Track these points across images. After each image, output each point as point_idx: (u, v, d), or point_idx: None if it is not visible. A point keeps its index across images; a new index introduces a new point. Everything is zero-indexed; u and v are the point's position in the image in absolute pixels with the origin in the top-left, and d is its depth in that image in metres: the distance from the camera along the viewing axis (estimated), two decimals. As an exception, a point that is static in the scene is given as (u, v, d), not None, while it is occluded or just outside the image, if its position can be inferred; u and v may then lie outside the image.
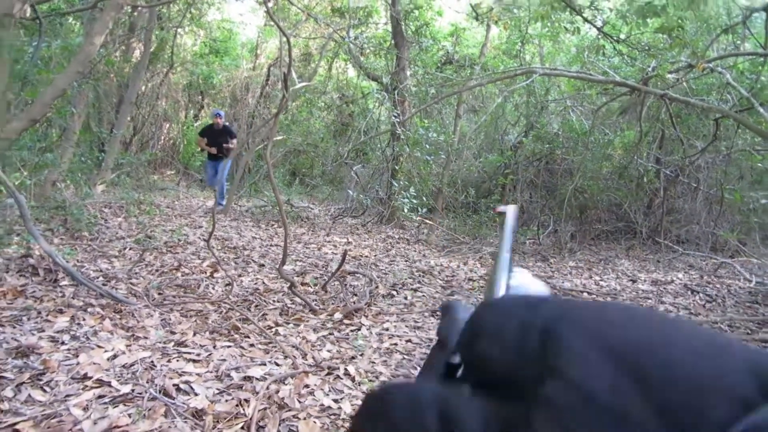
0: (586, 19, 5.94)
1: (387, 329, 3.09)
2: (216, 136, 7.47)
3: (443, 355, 0.40)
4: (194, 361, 2.34)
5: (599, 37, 6.69)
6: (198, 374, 2.21)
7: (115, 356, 2.26)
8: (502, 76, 6.90)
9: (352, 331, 2.98)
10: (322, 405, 2.10)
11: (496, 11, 7.59)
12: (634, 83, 6.01)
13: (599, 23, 6.52)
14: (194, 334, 2.62)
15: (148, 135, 11.09)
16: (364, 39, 9.60)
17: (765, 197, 2.84)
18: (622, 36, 6.84)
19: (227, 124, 8.05)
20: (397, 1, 7.85)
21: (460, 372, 0.38)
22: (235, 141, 7.63)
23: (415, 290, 4.05)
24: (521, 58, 8.35)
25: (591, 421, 0.23)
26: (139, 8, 7.99)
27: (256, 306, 3.19)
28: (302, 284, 3.81)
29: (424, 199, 6.02)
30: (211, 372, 2.25)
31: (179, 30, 10.35)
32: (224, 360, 2.38)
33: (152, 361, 2.27)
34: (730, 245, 6.31)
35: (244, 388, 2.14)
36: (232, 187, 7.20)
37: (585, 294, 4.42)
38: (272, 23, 8.17)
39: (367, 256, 5.13)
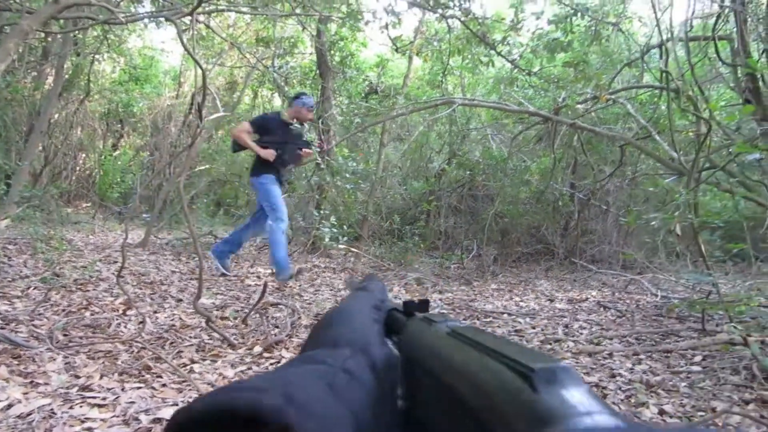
0: (499, 53, 6.24)
1: (308, 361, 3.05)
2: (286, 137, 4.86)
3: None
4: (99, 405, 2.22)
5: (513, 70, 7.04)
6: (103, 419, 2.10)
7: (9, 406, 2.11)
8: (424, 106, 7.11)
9: (271, 364, 2.93)
10: (236, 443, 2.05)
11: (416, 44, 7.84)
12: (546, 113, 6.36)
13: (514, 57, 6.89)
14: (101, 377, 2.50)
15: (61, 166, 10.57)
16: (289, 68, 9.65)
17: (656, 219, 3.09)
18: (535, 69, 7.26)
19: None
20: (322, 32, 7.96)
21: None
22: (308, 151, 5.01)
23: (339, 319, 4.03)
24: (443, 88, 8.65)
25: None
26: (53, 34, 7.69)
27: (171, 343, 3.07)
28: (221, 318, 3.71)
29: (345, 227, 6.04)
30: (118, 416, 2.14)
31: (97, 56, 10.02)
32: (133, 402, 2.27)
33: (52, 409, 2.13)
34: (638, 263, 6.70)
35: (153, 431, 2.05)
36: (152, 220, 6.94)
37: (505, 315, 4.56)
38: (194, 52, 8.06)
39: (291, 287, 5.07)
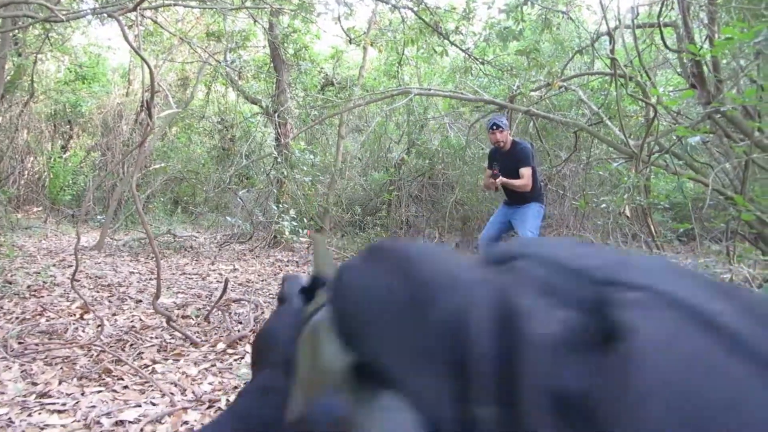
0: (452, 43, 6.30)
1: (273, 355, 3.05)
2: (505, 163, 4.40)
3: None
4: (59, 411, 2.18)
5: (467, 59, 7.11)
6: (63, 425, 2.06)
7: (-37, 417, 2.05)
8: (381, 97, 7.12)
9: (235, 360, 2.92)
10: (202, 441, 2.04)
11: (370, 35, 7.83)
12: (501, 101, 6.45)
13: (468, 46, 6.95)
14: (60, 383, 2.44)
15: (8, 170, 10.16)
16: (242, 62, 9.50)
17: (606, 202, 3.19)
18: (489, 58, 7.35)
19: (518, 139, 4.65)
20: (274, 24, 7.86)
21: None
22: (526, 171, 4.28)
23: (303, 313, 4.03)
24: (399, 78, 8.67)
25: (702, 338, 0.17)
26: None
27: (132, 345, 3.02)
28: (183, 317, 3.66)
29: (306, 220, 6.02)
30: (79, 421, 2.11)
31: (39, 56, 9.63)
32: (94, 407, 2.23)
33: (9, 418, 2.08)
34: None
35: (115, 433, 2.02)
36: (106, 221, 6.76)
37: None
38: (140, 49, 7.84)
39: (254, 282, 5.03)
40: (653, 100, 3.58)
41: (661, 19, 5.21)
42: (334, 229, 7.33)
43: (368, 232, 6.98)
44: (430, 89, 7.52)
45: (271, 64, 8.35)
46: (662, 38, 5.07)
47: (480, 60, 6.82)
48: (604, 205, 3.35)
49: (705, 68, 4.46)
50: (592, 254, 0.22)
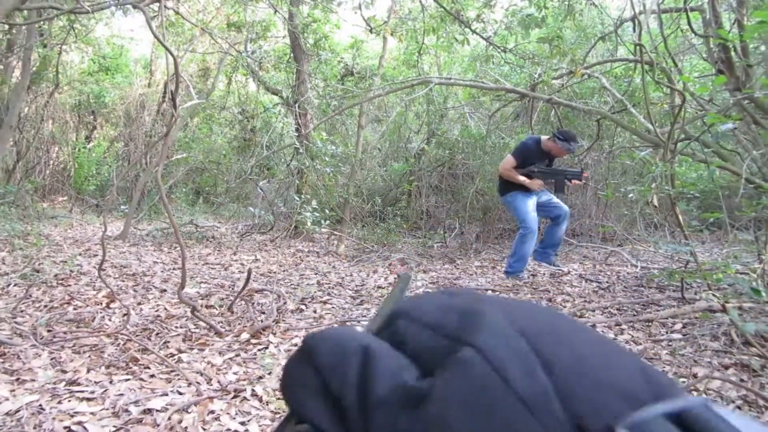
0: (474, 31, 6.22)
1: (296, 345, 3.06)
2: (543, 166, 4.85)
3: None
4: (88, 399, 2.21)
5: (488, 47, 7.03)
6: (92, 413, 2.09)
7: (-4, 404, 2.09)
8: (400, 87, 7.08)
9: (259, 350, 2.94)
10: (228, 429, 2.06)
11: (390, 24, 7.77)
12: (523, 89, 6.37)
13: (489, 34, 6.86)
14: (88, 371, 2.48)
15: (34, 160, 10.34)
16: (263, 53, 9.51)
17: (633, 191, 3.14)
18: (510, 46, 7.25)
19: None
20: (294, 14, 7.84)
21: None
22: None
23: (325, 303, 4.04)
24: (419, 68, 8.61)
25: (496, 389, 0.23)
26: (17, 26, 7.47)
27: (157, 334, 3.06)
28: (207, 307, 3.70)
29: (327, 211, 6.03)
30: (107, 409, 2.14)
31: (64, 47, 9.76)
32: (122, 395, 2.27)
33: (40, 405, 2.12)
34: (618, 235, 6.81)
35: (143, 422, 2.05)
36: (130, 211, 6.85)
37: (489, 291, 4.60)
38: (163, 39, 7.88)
39: (275, 272, 5.06)
40: (680, 87, 3.49)
41: (687, 3, 5.08)
42: (354, 219, 7.33)
43: (388, 223, 6.98)
44: (450, 78, 7.46)
45: (291, 55, 8.34)
46: (689, 23, 4.95)
47: (501, 48, 6.73)
48: (631, 195, 3.29)
49: (733, 54, 4.35)
50: (455, 308, 0.28)
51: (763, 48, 5.20)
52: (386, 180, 8.59)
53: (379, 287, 4.66)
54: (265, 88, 9.48)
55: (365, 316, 3.73)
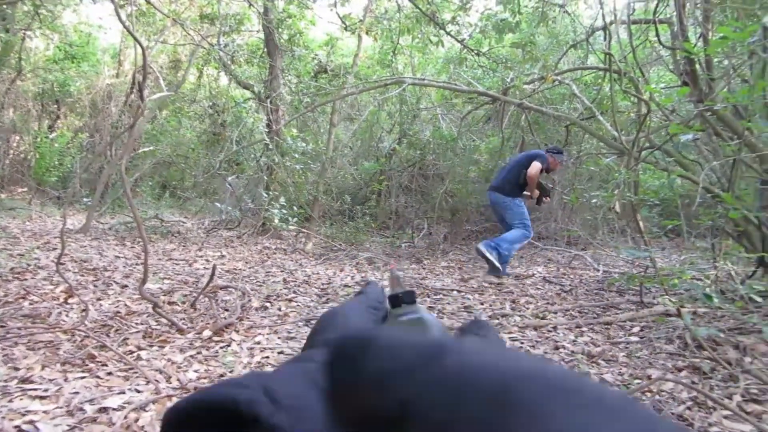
0: (448, 33, 6.26)
1: (259, 343, 3.04)
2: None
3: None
4: (41, 397, 2.15)
5: (462, 50, 7.08)
6: (45, 411, 2.04)
7: (-57, 401, 2.02)
8: (374, 86, 7.08)
9: (221, 348, 2.90)
10: (186, 429, 2.03)
11: (366, 23, 7.77)
12: (495, 93, 6.44)
13: (463, 37, 6.92)
14: (42, 368, 2.41)
15: (-7, 149, 10.02)
16: (236, 47, 9.40)
17: (597, 197, 3.22)
18: (484, 50, 7.32)
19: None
20: (269, 9, 7.77)
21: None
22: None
23: (290, 300, 4.02)
24: (393, 67, 8.62)
25: None
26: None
27: (116, 331, 3.00)
28: (169, 303, 3.64)
29: (295, 208, 5.99)
30: (61, 407, 2.08)
31: (28, 33, 9.47)
32: (77, 393, 2.21)
33: (-10, 402, 2.05)
34: (582, 239, 6.94)
35: (98, 420, 2.00)
36: (93, 204, 6.69)
37: (454, 292, 4.64)
38: (133, 29, 7.70)
39: (241, 269, 5.01)
40: (646, 97, 3.58)
41: (656, 15, 5.20)
42: (323, 217, 7.31)
43: (357, 222, 6.97)
44: (423, 79, 7.49)
45: (265, 49, 8.27)
46: (657, 35, 5.07)
47: (475, 51, 6.79)
48: (595, 201, 3.37)
49: (698, 66, 4.47)
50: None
51: (726, 62, 5.35)
52: (357, 179, 8.58)
53: (345, 286, 4.65)
54: (237, 82, 9.37)
55: (331, 315, 3.72)
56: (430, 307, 4.12)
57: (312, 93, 7.84)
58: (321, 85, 8.07)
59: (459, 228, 7.54)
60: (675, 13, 5.03)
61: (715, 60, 4.74)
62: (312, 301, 4.11)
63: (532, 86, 6.59)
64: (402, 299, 0.47)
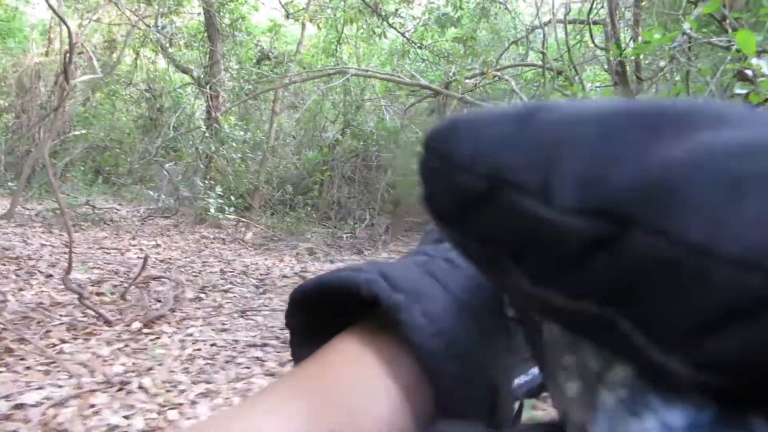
0: (391, 25, 6.28)
1: (191, 335, 2.99)
2: None
3: None
4: (-49, 393, 2.05)
5: (405, 42, 7.12)
6: (-45, 408, 1.94)
7: None
8: (318, 75, 7.02)
9: (151, 340, 2.83)
10: (110, 424, 1.98)
11: (309, 11, 7.67)
12: (437, 87, 6.51)
13: (407, 29, 6.95)
14: (-46, 362, 2.29)
15: None
16: (174, 29, 9.10)
17: None
18: (427, 43, 7.38)
19: None
20: (210, -9, 7.56)
21: None
22: None
23: (226, 291, 3.97)
24: (338, 57, 8.56)
25: None
26: None
27: (39, 323, 2.87)
28: (97, 294, 3.51)
29: (232, 198, 5.89)
30: (-27, 403, 1.99)
31: (-55, 5, 8.84)
32: (-9, 388, 2.11)
33: None
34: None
35: (12, 417, 1.93)
36: (18, 189, 6.35)
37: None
38: (61, 6, 7.34)
39: (177, 259, 4.89)
40: (577, 95, 3.72)
41: (590, 17, 5.39)
42: (263, 207, 7.21)
43: (298, 212, 6.92)
44: (367, 70, 7.49)
45: (205, 33, 8.04)
46: (591, 35, 5.26)
47: (417, 44, 6.84)
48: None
49: (628, 67, 4.67)
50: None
51: (661, 63, 5.62)
52: (299, 168, 8.50)
53: (284, 276, 4.62)
54: (176, 66, 9.08)
55: (267, 305, 3.70)
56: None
57: (254, 80, 7.70)
58: (263, 72, 7.93)
59: (401, 220, 7.61)
60: (608, 15, 5.23)
61: (646, 62, 4.97)
62: (249, 291, 4.07)
63: (474, 81, 6.70)
64: None
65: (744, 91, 1.79)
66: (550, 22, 5.23)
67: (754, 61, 1.66)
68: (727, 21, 3.29)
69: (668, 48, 2.75)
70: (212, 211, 5.42)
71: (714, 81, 2.70)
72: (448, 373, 0.27)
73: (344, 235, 6.93)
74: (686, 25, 2.73)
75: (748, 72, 1.84)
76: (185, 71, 8.79)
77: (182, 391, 2.34)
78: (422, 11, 6.78)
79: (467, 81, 6.68)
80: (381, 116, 8.29)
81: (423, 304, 0.28)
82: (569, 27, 5.61)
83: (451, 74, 6.69)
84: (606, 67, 5.96)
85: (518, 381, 0.35)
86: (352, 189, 8.14)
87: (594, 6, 5.52)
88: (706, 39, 2.87)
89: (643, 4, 5.18)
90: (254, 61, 8.64)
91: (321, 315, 0.30)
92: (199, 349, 2.79)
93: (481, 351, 0.29)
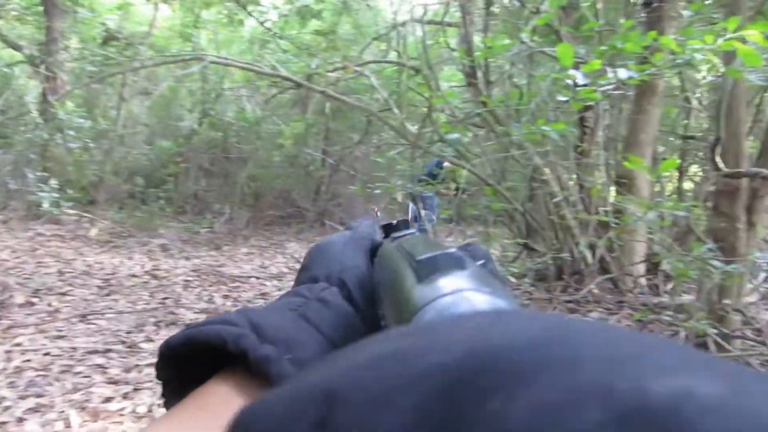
0: (249, 13, 6.11)
1: (19, 344, 2.70)
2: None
3: None
4: None
5: (266, 32, 6.97)
6: None
7: None
8: (172, 60, 6.63)
9: (-32, 353, 2.52)
10: None
11: (162, -10, 7.22)
12: (299, 79, 6.45)
13: (268, 18, 6.79)
14: None
15: None
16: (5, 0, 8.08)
17: (379, 188, 3.49)
18: (290, 34, 7.27)
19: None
20: (45, -40, 6.79)
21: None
22: None
23: (64, 294, 3.63)
24: (195, 42, 8.14)
25: None
26: None
27: None
28: None
29: (72, 191, 5.40)
30: None
31: None
32: None
33: None
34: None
35: None
36: None
37: (252, 279, 4.60)
38: None
39: (5, 260, 4.38)
40: (428, 94, 3.90)
41: (445, 19, 5.67)
42: (110, 200, 6.68)
43: (151, 206, 6.51)
44: (226, 58, 7.21)
45: (42, 7, 7.23)
46: (445, 37, 5.53)
47: (278, 35, 6.73)
48: (378, 191, 3.59)
49: (478, 70, 4.98)
50: None
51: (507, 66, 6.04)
52: (152, 159, 7.98)
53: (133, 276, 4.34)
54: (4, 41, 8.06)
55: (112, 308, 3.45)
56: (225, 295, 4.05)
57: (99, 62, 7.07)
58: (110, 54, 7.31)
59: (262, 213, 7.47)
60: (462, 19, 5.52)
61: (495, 65, 5.33)
62: (92, 293, 3.76)
63: (336, 75, 6.74)
64: (396, 227, 0.45)
65: (565, 99, 1.99)
66: (405, 22, 5.41)
67: (571, 71, 1.85)
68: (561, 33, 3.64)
69: (508, 55, 2.97)
70: (46, 205, 4.91)
71: (547, 87, 2.98)
72: None
73: (202, 230, 6.65)
74: (524, 35, 2.98)
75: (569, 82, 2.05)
76: (15, 48, 7.84)
77: (6, 408, 2.12)
78: (284, 1, 6.67)
79: (330, 75, 6.70)
80: (241, 106, 8.05)
81: (294, 352, 0.30)
82: (428, 27, 5.84)
83: (313, 67, 6.67)
84: (461, 67, 6.30)
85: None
86: (210, 181, 7.83)
87: (449, 10, 5.81)
88: (539, 49, 3.14)
89: (494, 10, 5.55)
90: (99, 41, 7.94)
91: (191, 364, 0.31)
92: (28, 360, 2.53)
93: None
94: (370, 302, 0.38)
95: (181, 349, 0.30)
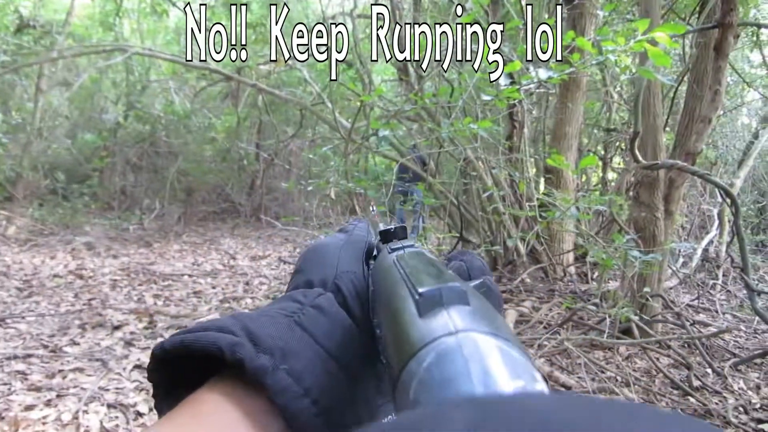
0: (173, 3, 5.92)
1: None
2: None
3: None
4: None
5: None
6: None
7: None
8: (92, 50, 6.33)
9: None
10: None
11: (81, -24, 6.87)
12: (228, 72, 6.31)
13: (195, 9, 6.58)
14: None
15: None
16: None
17: (311, 184, 3.49)
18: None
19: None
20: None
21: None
22: None
23: (-21, 298, 3.44)
24: (118, 32, 7.80)
25: None
26: None
27: None
28: None
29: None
30: None
31: None
32: None
33: None
34: (319, 218, 7.31)
35: None
36: None
37: (185, 276, 4.50)
38: None
39: None
40: (359, 90, 3.94)
41: (374, 13, 5.68)
42: (29, 197, 6.33)
43: (74, 202, 6.22)
44: (151, 49, 6.96)
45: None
46: (375, 31, 5.56)
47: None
48: (310, 188, 3.60)
49: (410, 65, 5.05)
50: None
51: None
52: (74, 153, 7.61)
53: (56, 276, 4.15)
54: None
55: (33, 310, 3.30)
56: (156, 294, 3.94)
57: (12, 52, 6.66)
58: (24, 43, 6.89)
59: (195, 209, 7.29)
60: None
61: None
62: (10, 296, 3.58)
63: (267, 68, 6.64)
64: (395, 234, 0.44)
65: (489, 98, 2.07)
66: (333, 18, 5.41)
67: (493, 73, 1.93)
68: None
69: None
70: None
71: (473, 83, 3.07)
72: (315, 429, 0.29)
73: (131, 227, 6.43)
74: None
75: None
76: None
77: None
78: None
79: (261, 67, 6.60)
80: (169, 99, 7.80)
81: (290, 363, 0.30)
82: (360, 22, 5.86)
83: (243, 59, 6.54)
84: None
85: (387, 420, 0.39)
86: (138, 176, 7.56)
87: (378, 3, 5.84)
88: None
89: (422, 5, 5.63)
90: (12, 29, 7.47)
91: (183, 368, 0.31)
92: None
93: (350, 398, 0.32)
94: (365, 309, 0.38)
95: (174, 353, 0.30)
